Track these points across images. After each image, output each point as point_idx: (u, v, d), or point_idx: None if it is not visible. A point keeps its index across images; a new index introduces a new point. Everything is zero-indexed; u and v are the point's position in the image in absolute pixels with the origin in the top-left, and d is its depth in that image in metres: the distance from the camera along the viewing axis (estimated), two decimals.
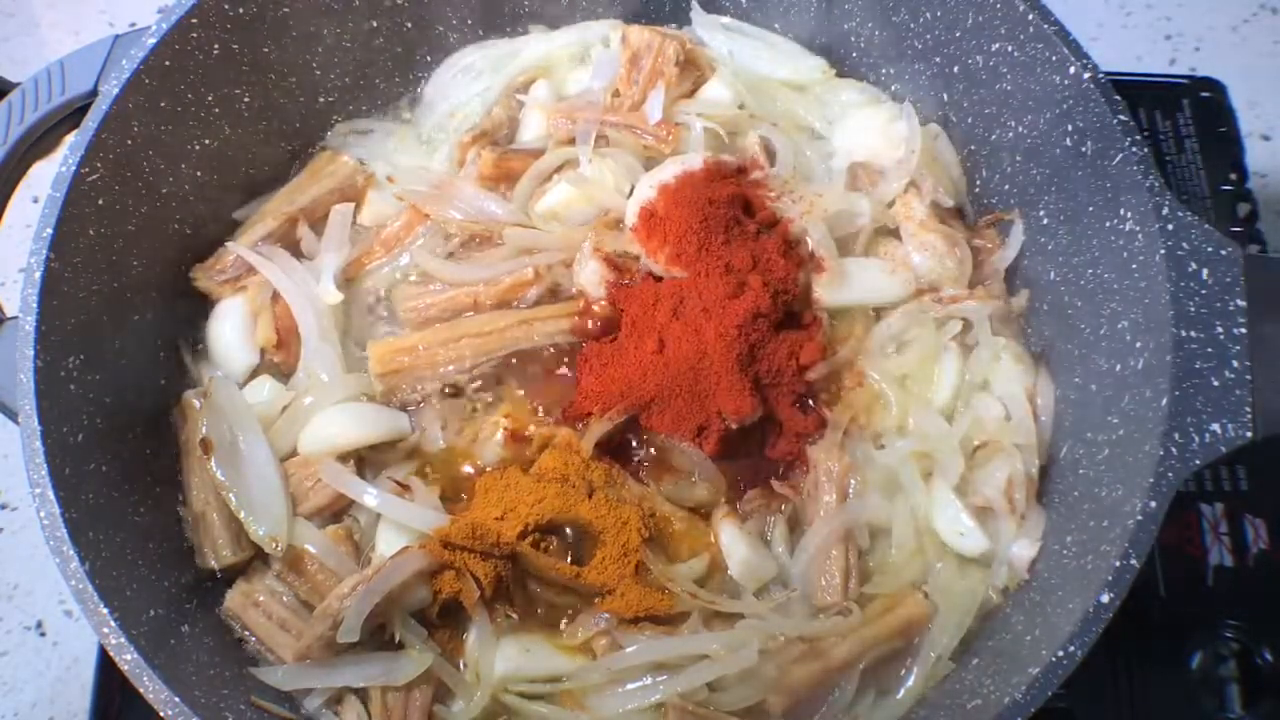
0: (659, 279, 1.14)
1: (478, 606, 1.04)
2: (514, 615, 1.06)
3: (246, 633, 1.07)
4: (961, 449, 1.11)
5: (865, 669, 1.04)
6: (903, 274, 1.17)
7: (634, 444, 1.13)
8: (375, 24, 1.28)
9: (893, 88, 1.30)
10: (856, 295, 1.16)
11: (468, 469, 1.12)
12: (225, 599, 1.08)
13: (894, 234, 1.21)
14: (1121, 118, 1.03)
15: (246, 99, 1.21)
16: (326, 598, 1.03)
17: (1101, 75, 1.05)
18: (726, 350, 1.07)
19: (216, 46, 1.15)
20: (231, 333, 1.18)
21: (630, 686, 1.03)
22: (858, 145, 1.25)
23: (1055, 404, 1.13)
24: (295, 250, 1.21)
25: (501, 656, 1.04)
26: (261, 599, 1.07)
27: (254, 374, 1.18)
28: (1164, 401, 0.95)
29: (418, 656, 1.03)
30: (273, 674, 1.03)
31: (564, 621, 1.07)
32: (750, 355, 1.09)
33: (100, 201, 1.07)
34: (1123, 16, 1.68)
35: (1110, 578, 0.91)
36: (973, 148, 1.24)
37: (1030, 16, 1.09)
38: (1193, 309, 0.96)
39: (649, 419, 1.09)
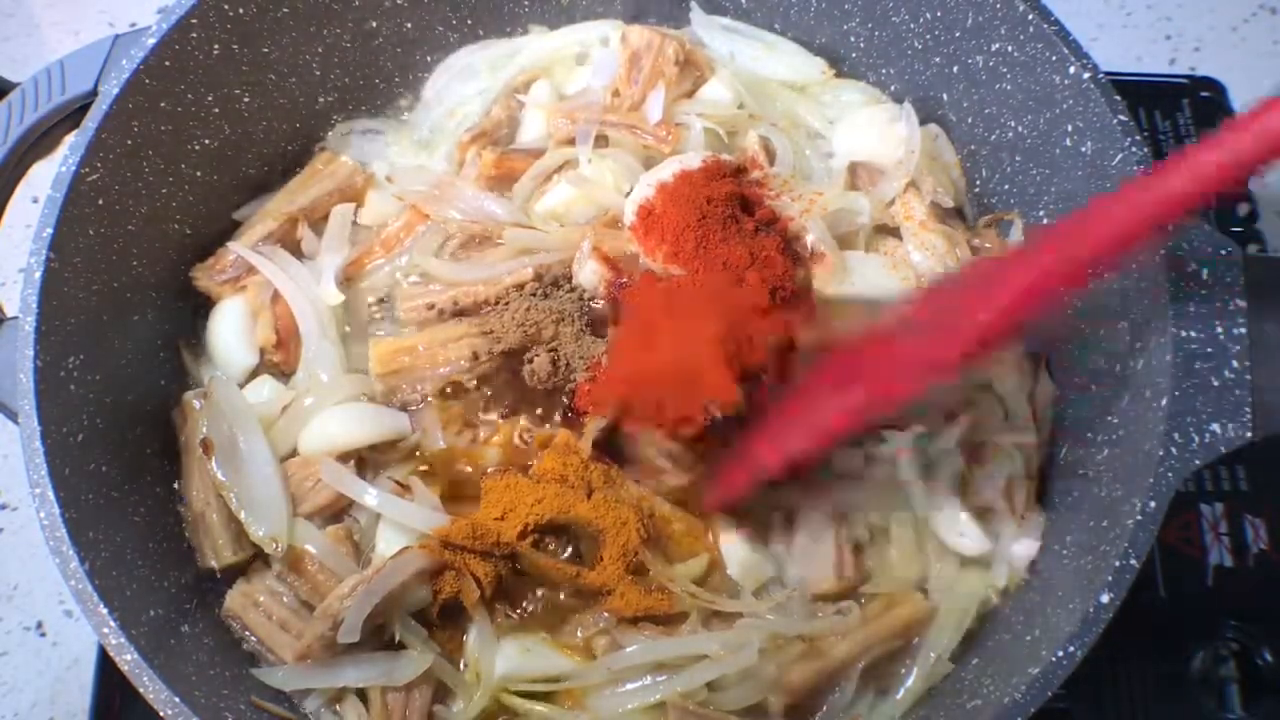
0: (658, 277, 1.14)
1: (478, 606, 1.04)
2: (513, 615, 1.06)
3: (246, 633, 1.07)
4: (960, 449, 1.11)
5: (865, 668, 1.04)
6: (903, 271, 1.17)
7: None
8: (375, 24, 1.28)
9: (892, 88, 1.30)
10: (857, 289, 1.15)
11: (468, 470, 1.11)
12: (225, 599, 1.08)
13: (894, 233, 1.21)
14: (1121, 118, 1.03)
15: (246, 99, 1.21)
16: (327, 598, 1.03)
17: (1101, 75, 1.05)
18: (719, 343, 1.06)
19: (216, 46, 1.15)
20: (231, 333, 1.18)
21: (630, 686, 1.03)
22: (858, 145, 1.25)
23: (1055, 404, 1.13)
24: (295, 250, 1.21)
25: (502, 656, 1.04)
26: (262, 599, 1.07)
27: (254, 374, 1.18)
28: (1164, 401, 0.95)
29: (418, 657, 1.03)
30: (273, 674, 1.03)
31: (563, 621, 1.07)
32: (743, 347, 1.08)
33: (100, 201, 1.07)
34: (1123, 16, 1.68)
35: (1110, 578, 0.91)
36: (973, 148, 1.24)
37: (1030, 16, 1.09)
38: (1193, 309, 0.96)
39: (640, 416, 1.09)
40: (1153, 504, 0.92)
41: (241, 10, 1.15)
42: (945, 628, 1.06)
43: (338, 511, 1.11)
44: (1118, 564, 0.91)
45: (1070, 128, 1.08)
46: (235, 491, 1.07)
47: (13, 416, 0.99)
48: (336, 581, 1.05)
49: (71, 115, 1.11)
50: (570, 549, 1.07)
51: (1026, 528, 1.07)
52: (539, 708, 1.03)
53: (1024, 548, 1.07)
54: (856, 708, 1.04)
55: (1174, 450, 0.93)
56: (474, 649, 1.05)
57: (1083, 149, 1.07)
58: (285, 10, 1.19)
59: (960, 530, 1.07)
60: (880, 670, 1.06)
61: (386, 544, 1.08)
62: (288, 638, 1.05)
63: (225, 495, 1.07)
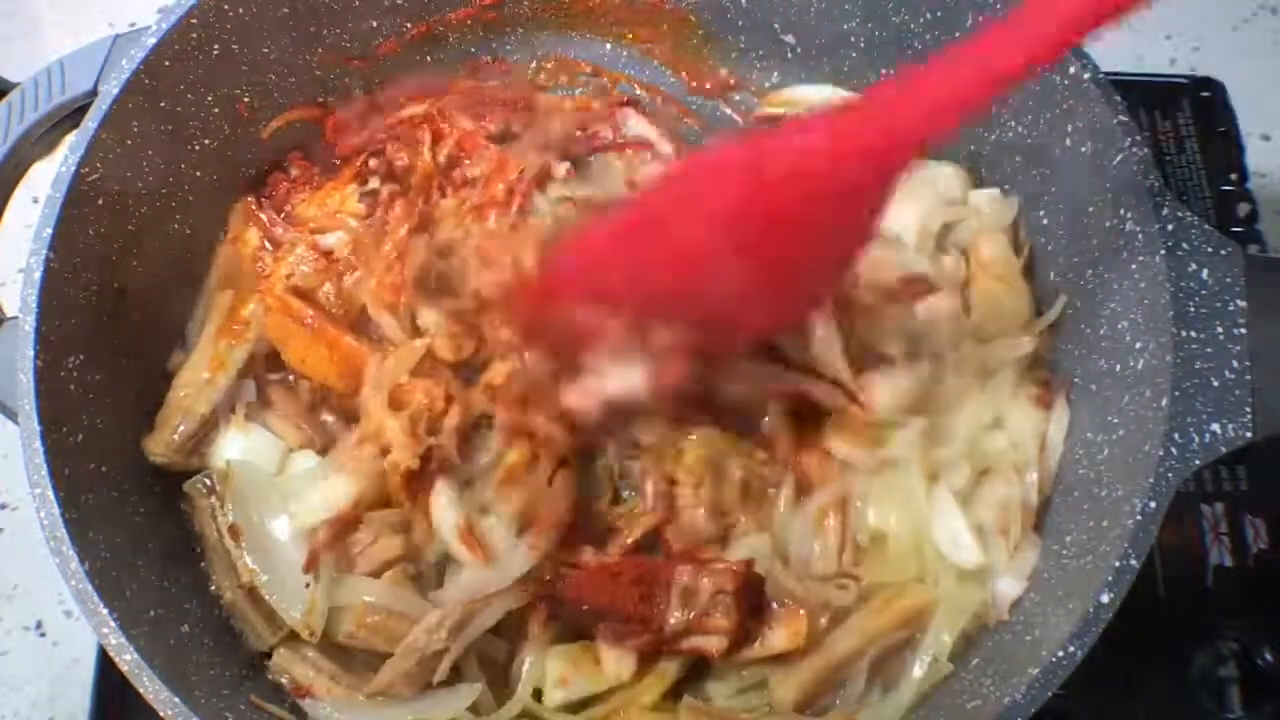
0: None
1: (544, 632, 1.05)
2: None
3: (287, 679, 1.05)
4: (967, 462, 1.09)
5: (874, 661, 1.04)
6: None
7: None
8: (375, 24, 1.28)
9: None
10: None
11: None
12: (273, 657, 1.06)
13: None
14: (1121, 118, 1.03)
15: (246, 99, 1.21)
16: (411, 633, 1.01)
17: (1101, 75, 1.05)
18: None
19: (216, 46, 1.15)
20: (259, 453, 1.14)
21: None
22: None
23: (1067, 436, 1.11)
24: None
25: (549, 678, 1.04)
26: (310, 654, 1.05)
27: None
28: (1164, 401, 0.95)
29: (467, 688, 1.02)
30: (322, 708, 1.02)
31: None
32: None
33: (100, 201, 1.07)
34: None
35: (1110, 578, 0.91)
36: (973, 148, 1.24)
37: None
38: (1193, 309, 0.96)
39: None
40: (1153, 504, 0.92)
41: (241, 10, 1.15)
42: (940, 629, 1.05)
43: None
44: (1118, 564, 0.91)
45: (1070, 128, 1.08)
46: (266, 577, 1.04)
47: (13, 416, 0.99)
48: (408, 622, 1.02)
49: (71, 115, 1.11)
50: None
51: (1016, 564, 1.06)
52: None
53: (1009, 585, 1.05)
54: (866, 700, 1.04)
55: (1174, 450, 0.93)
56: (527, 674, 1.04)
57: (1083, 149, 1.07)
58: (285, 10, 1.19)
59: (956, 542, 1.06)
60: (887, 663, 1.05)
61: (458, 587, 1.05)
62: (339, 687, 1.03)
63: (257, 582, 1.05)
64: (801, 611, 1.04)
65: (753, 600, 1.03)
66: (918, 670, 1.04)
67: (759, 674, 1.05)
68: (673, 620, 1.01)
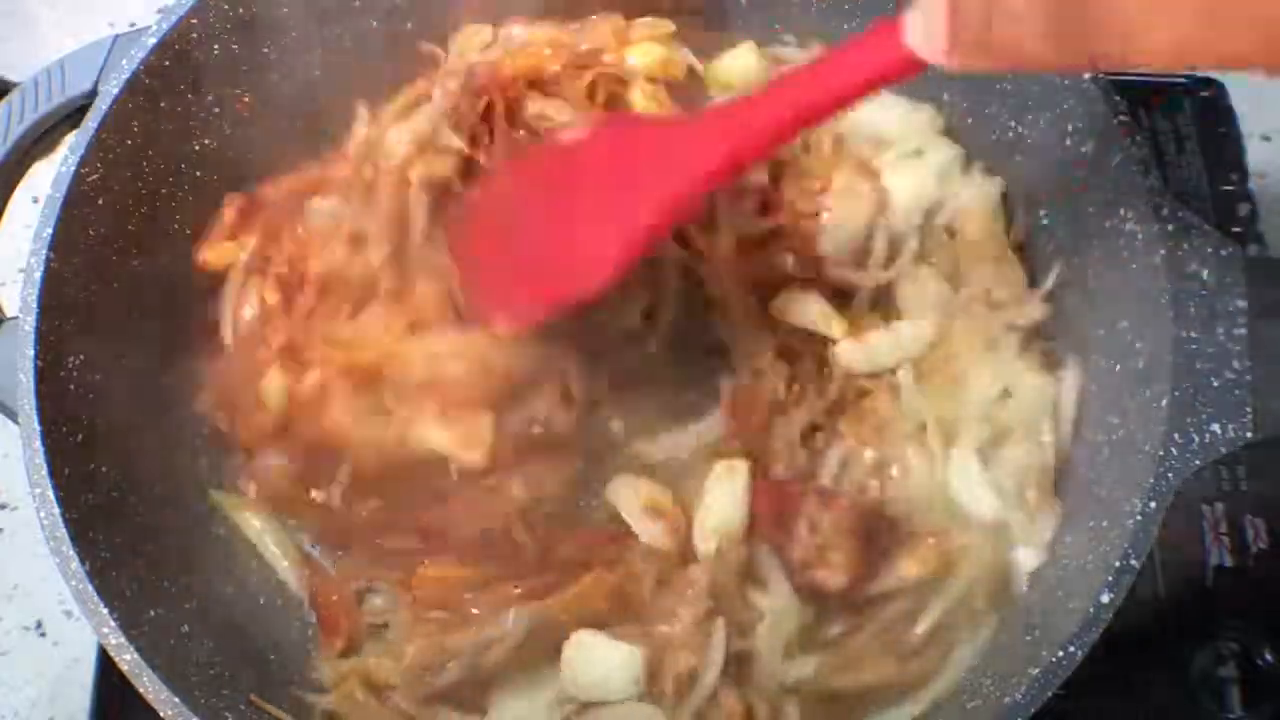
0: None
1: None
2: None
3: None
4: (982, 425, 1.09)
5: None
6: None
7: None
8: (375, 24, 1.28)
9: (893, 89, 1.30)
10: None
11: None
12: None
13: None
14: (1121, 118, 1.03)
15: (246, 99, 1.21)
16: None
17: (1101, 75, 1.05)
18: None
19: (216, 46, 1.15)
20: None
21: None
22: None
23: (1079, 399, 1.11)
24: None
25: None
26: None
27: None
28: (1164, 401, 0.95)
29: None
30: None
31: None
32: None
33: (100, 201, 1.07)
34: None
35: (1110, 578, 0.91)
36: (973, 148, 1.24)
37: None
38: (1193, 309, 0.96)
39: None
40: (1153, 504, 0.92)
41: (241, 10, 1.15)
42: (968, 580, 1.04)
43: None
44: (1118, 564, 0.91)
45: (1070, 128, 1.08)
46: None
47: (13, 416, 0.99)
48: None
49: (71, 115, 1.11)
50: None
51: (1036, 530, 1.05)
52: None
53: (1027, 556, 1.05)
54: None
55: (1174, 450, 0.93)
56: None
57: (1083, 149, 1.07)
58: (285, 10, 1.19)
59: (975, 495, 1.06)
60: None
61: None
62: None
63: None
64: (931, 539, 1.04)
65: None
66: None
67: None
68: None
